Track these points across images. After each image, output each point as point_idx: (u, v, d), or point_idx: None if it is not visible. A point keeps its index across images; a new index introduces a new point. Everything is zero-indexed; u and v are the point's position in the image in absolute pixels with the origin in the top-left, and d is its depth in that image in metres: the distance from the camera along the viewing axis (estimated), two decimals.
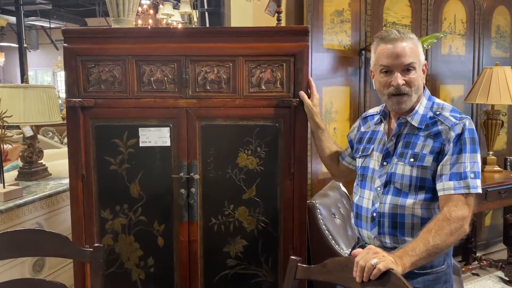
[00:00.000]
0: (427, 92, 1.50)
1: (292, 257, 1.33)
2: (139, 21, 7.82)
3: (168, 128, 1.81)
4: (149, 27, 7.54)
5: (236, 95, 1.78)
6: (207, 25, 2.28)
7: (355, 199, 1.56)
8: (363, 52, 3.01)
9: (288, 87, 1.78)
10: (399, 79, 1.38)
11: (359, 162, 1.57)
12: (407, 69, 1.38)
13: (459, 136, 1.35)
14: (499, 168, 3.20)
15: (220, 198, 1.84)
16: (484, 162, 3.20)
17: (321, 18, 2.78)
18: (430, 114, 1.43)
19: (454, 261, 2.57)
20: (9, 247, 1.38)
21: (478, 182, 1.34)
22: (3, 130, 2.31)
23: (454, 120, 1.38)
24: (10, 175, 2.78)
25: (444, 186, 1.33)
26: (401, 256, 1.22)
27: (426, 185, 1.39)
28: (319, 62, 2.77)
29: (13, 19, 9.06)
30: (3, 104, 2.43)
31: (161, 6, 6.61)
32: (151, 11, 8.14)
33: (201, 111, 1.79)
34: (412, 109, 1.44)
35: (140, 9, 8.02)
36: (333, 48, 2.86)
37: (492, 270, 3.30)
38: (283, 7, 2.80)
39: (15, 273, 2.16)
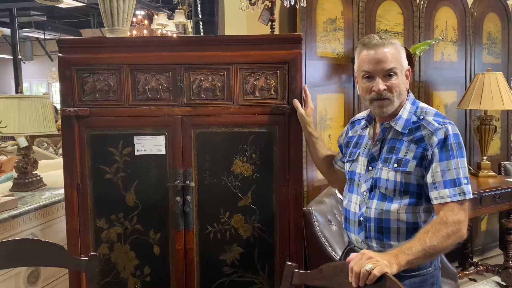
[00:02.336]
0: (411, 96, 1.50)
1: (288, 263, 1.34)
2: (134, 32, 7.86)
3: (163, 136, 1.81)
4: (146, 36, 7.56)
5: (230, 103, 1.80)
6: (202, 34, 2.29)
7: (344, 203, 1.58)
8: None
9: (282, 94, 1.79)
10: (380, 84, 1.38)
11: (346, 166, 1.59)
12: (388, 74, 1.39)
13: (444, 142, 1.35)
14: (493, 173, 3.22)
15: (215, 205, 1.84)
16: (479, 167, 3.23)
17: (314, 26, 2.80)
18: (414, 118, 1.42)
19: (451, 266, 2.58)
20: (4, 257, 1.37)
21: (470, 187, 1.35)
22: None
23: (436, 124, 1.38)
24: (4, 186, 2.77)
25: (440, 195, 1.32)
26: (397, 254, 1.22)
27: (410, 190, 1.39)
28: (313, 69, 2.79)
29: (7, 31, 9.07)
30: None
31: (155, 16, 6.66)
32: (146, 22, 8.19)
33: (196, 119, 1.80)
34: (395, 114, 1.44)
35: (134, 19, 8.06)
36: (326, 55, 2.89)
37: (489, 275, 3.30)
38: (276, 16, 2.83)
39: (10, 285, 2.14)
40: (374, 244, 1.44)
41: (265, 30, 2.22)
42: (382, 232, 1.43)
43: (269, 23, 1.97)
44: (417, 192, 1.39)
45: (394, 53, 1.40)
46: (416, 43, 3.15)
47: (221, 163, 1.82)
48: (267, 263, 1.86)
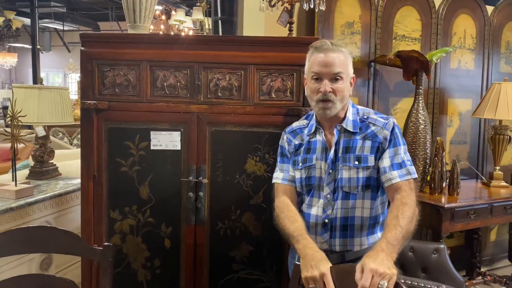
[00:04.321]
0: (351, 101, 1.62)
1: (296, 262, 1.36)
2: (151, 26, 7.92)
3: (179, 132, 1.85)
4: (161, 32, 7.63)
5: (246, 102, 1.82)
6: (220, 33, 2.32)
7: (302, 207, 1.58)
8: (373, 64, 3.04)
9: (297, 96, 1.82)
10: (327, 86, 1.47)
11: (302, 173, 1.56)
12: (335, 78, 1.48)
13: (391, 133, 1.50)
14: (505, 184, 3.20)
15: (227, 202, 1.87)
16: (491, 177, 3.21)
17: (332, 29, 2.82)
18: (359, 118, 1.55)
19: (458, 275, 2.58)
20: (21, 243, 1.41)
21: (414, 168, 1.50)
22: (17, 129, 2.36)
23: (383, 120, 1.53)
24: (21, 174, 2.83)
25: (390, 176, 1.46)
26: (389, 250, 1.26)
27: (371, 184, 1.51)
28: None
29: (27, 21, 9.22)
30: (18, 104, 2.48)
31: (173, 12, 6.71)
32: (163, 17, 8.24)
33: (211, 117, 1.83)
34: (342, 117, 1.54)
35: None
36: None
37: (496, 286, 3.28)
38: (294, 18, 2.85)
39: (23, 271, 2.20)
40: (337, 244, 1.52)
41: (282, 32, 2.24)
42: (346, 230, 1.51)
43: (288, 25, 1.99)
44: (376, 185, 1.51)
45: (342, 59, 1.49)
46: (433, 50, 3.14)
47: (234, 161, 1.85)
48: (276, 262, 1.88)
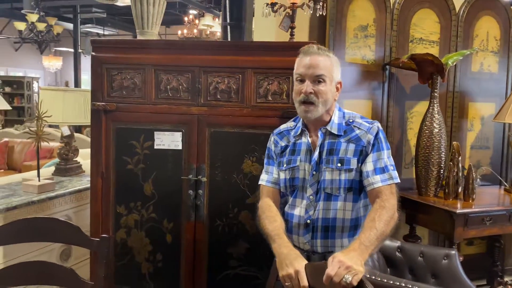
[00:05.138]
0: (337, 105, 1.64)
1: (275, 259, 1.41)
2: (185, 31, 8.15)
3: (181, 133, 1.94)
4: (194, 36, 7.82)
5: (244, 105, 1.89)
6: (229, 38, 2.41)
7: (286, 208, 1.61)
8: (388, 67, 3.03)
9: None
10: (308, 87, 1.50)
11: (286, 174, 1.59)
12: (317, 80, 1.51)
13: (375, 137, 1.53)
14: None
15: (225, 201, 1.94)
16: None
17: (344, 33, 2.83)
18: (344, 122, 1.58)
19: (470, 282, 2.53)
20: (25, 232, 1.55)
21: (396, 173, 1.53)
22: (42, 128, 2.54)
23: (368, 124, 1.56)
24: (49, 170, 3.04)
25: (372, 181, 1.48)
26: (361, 250, 1.30)
27: (353, 186, 1.53)
28: (341, 76, 2.81)
29: (70, 26, 9.73)
30: (44, 105, 2.67)
31: (202, 17, 6.88)
32: (197, 21, 8.44)
33: (211, 119, 1.91)
34: (327, 120, 1.57)
35: (186, 19, 8.35)
36: (355, 62, 2.91)
37: None
38: (306, 22, 2.89)
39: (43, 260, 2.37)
40: (319, 245, 1.54)
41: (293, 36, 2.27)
42: (328, 231, 1.53)
43: (289, 30, 2.04)
44: (358, 188, 1.54)
45: (327, 63, 1.53)
46: (453, 53, 3.08)
47: (232, 162, 1.92)
48: (270, 261, 1.92)
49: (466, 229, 2.71)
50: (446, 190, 2.85)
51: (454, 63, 2.93)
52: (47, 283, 1.66)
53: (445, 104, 3.21)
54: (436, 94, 2.91)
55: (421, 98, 3.17)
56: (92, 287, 1.51)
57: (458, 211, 2.63)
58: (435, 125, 2.90)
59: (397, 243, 2.70)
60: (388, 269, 2.67)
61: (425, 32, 3.13)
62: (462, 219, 2.68)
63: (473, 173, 2.82)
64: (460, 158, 2.87)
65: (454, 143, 2.90)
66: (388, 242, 2.71)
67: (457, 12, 3.17)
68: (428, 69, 2.90)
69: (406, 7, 3.04)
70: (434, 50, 3.15)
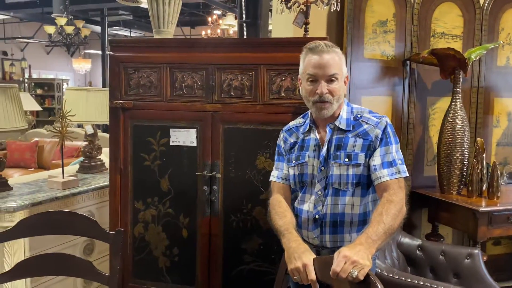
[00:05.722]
0: (346, 99, 1.62)
1: (285, 253, 1.42)
2: (208, 31, 8.23)
3: (195, 129, 1.97)
4: (217, 36, 7.89)
5: (257, 101, 1.91)
6: (245, 36, 2.43)
7: (295, 203, 1.61)
8: (408, 62, 2.98)
9: None
10: (323, 88, 1.49)
11: (295, 170, 1.59)
12: (330, 79, 1.50)
13: (383, 132, 1.52)
14: None
15: (239, 196, 1.96)
16: None
17: (362, 28, 2.81)
18: (353, 117, 1.57)
19: (493, 282, 2.46)
20: (48, 224, 1.61)
21: (405, 167, 1.50)
22: (66, 127, 2.63)
23: (376, 119, 1.55)
24: (74, 168, 3.14)
25: (379, 175, 1.47)
26: (368, 244, 1.28)
27: (361, 181, 1.52)
28: (359, 71, 2.79)
29: (98, 29, 9.99)
30: (69, 105, 2.76)
31: (224, 17, 6.92)
32: (220, 21, 8.50)
33: (224, 115, 1.94)
34: (336, 115, 1.56)
35: (210, 19, 8.42)
36: (375, 58, 2.87)
37: None
38: (324, 19, 2.88)
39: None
40: (327, 240, 1.53)
41: (312, 32, 2.26)
42: (336, 226, 1.52)
43: (303, 26, 2.04)
44: (367, 183, 1.52)
45: (336, 60, 1.51)
46: (476, 47, 3.00)
47: (246, 158, 1.94)
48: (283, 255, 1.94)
49: (490, 228, 2.63)
50: (470, 188, 2.78)
51: (478, 58, 2.85)
52: (66, 274, 1.72)
53: (469, 99, 3.13)
54: (458, 89, 2.84)
55: (443, 94, 3.10)
56: (108, 279, 1.56)
57: (481, 209, 2.57)
58: (457, 121, 2.83)
59: (417, 242, 2.65)
60: (409, 267, 2.63)
61: (448, 26, 3.06)
62: (486, 218, 2.61)
63: (498, 171, 2.74)
64: (484, 155, 2.80)
65: (478, 139, 2.83)
66: (408, 240, 2.68)
67: (481, 5, 3.09)
68: (450, 64, 2.83)
69: (427, 1, 2.98)
70: (457, 45, 3.08)
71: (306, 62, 1.54)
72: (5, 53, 11.85)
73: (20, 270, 1.59)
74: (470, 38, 3.10)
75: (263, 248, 1.95)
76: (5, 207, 2.15)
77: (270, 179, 1.66)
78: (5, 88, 2.29)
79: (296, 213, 1.59)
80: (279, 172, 1.65)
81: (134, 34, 11.44)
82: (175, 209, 2.04)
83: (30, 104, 6.64)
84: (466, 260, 2.49)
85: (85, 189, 2.62)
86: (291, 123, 1.70)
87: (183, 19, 9.82)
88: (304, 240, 1.49)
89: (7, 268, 2.09)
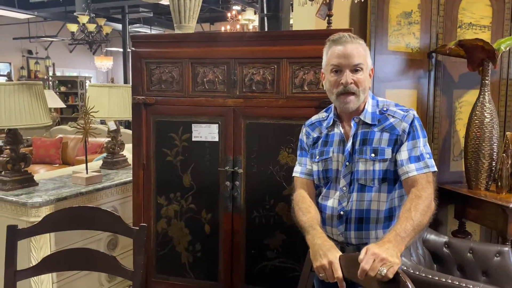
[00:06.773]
0: (371, 92, 1.58)
1: (309, 250, 1.39)
2: (228, 27, 8.21)
3: (217, 125, 1.96)
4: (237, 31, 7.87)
5: (279, 96, 1.88)
6: (266, 29, 2.40)
7: (319, 199, 1.58)
8: (434, 54, 2.90)
9: None
10: (348, 77, 1.44)
11: (319, 166, 1.56)
12: (355, 69, 1.46)
13: (410, 125, 1.47)
14: None
15: (261, 192, 1.94)
16: None
17: (386, 20, 2.74)
18: (378, 111, 1.53)
19: None
20: (72, 220, 1.62)
21: (433, 161, 1.46)
22: (89, 123, 2.66)
23: (402, 112, 1.50)
24: (97, 164, 3.17)
25: (407, 169, 1.43)
26: (396, 242, 1.24)
27: (388, 177, 1.47)
28: (383, 64, 2.73)
29: (119, 26, 10.10)
30: (91, 101, 2.78)
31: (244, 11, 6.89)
32: (240, 17, 8.48)
33: (246, 110, 1.91)
34: (361, 109, 1.52)
35: (229, 15, 8.41)
36: (399, 50, 2.80)
37: None
38: (347, 10, 2.82)
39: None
40: (353, 236, 1.50)
41: (334, 24, 2.21)
42: (362, 223, 1.48)
43: (327, 18, 2.00)
44: (393, 178, 1.48)
45: (361, 50, 1.47)
46: (506, 37, 2.89)
47: (268, 153, 1.91)
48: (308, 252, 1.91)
49: None
50: (499, 184, 2.69)
51: (507, 48, 2.75)
52: (91, 269, 1.74)
53: (498, 92, 3.02)
54: (487, 81, 2.74)
55: (471, 87, 3.00)
56: (132, 274, 1.57)
57: (511, 205, 2.48)
58: (486, 114, 2.74)
59: (444, 239, 2.58)
60: (435, 265, 2.57)
61: (475, 16, 2.96)
62: None
63: None
64: None
65: (508, 133, 2.73)
66: (434, 237, 2.61)
67: None
68: (478, 56, 2.74)
69: None
70: (486, 36, 2.98)
71: (330, 53, 1.51)
72: (30, 52, 12.13)
73: (46, 265, 1.61)
74: (499, 28, 2.99)
75: (287, 244, 1.93)
76: (32, 202, 2.19)
77: (293, 174, 1.63)
78: (30, 85, 2.33)
79: (320, 209, 1.55)
80: (302, 168, 1.61)
81: (155, 31, 11.52)
82: (197, 205, 2.03)
83: (54, 101, 6.77)
84: (495, 258, 2.41)
85: (109, 184, 2.64)
86: (314, 117, 1.66)
87: (203, 16, 9.84)
88: (328, 237, 1.45)
89: (34, 262, 2.12)
